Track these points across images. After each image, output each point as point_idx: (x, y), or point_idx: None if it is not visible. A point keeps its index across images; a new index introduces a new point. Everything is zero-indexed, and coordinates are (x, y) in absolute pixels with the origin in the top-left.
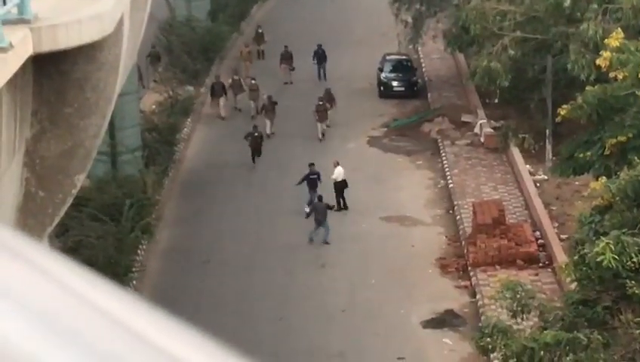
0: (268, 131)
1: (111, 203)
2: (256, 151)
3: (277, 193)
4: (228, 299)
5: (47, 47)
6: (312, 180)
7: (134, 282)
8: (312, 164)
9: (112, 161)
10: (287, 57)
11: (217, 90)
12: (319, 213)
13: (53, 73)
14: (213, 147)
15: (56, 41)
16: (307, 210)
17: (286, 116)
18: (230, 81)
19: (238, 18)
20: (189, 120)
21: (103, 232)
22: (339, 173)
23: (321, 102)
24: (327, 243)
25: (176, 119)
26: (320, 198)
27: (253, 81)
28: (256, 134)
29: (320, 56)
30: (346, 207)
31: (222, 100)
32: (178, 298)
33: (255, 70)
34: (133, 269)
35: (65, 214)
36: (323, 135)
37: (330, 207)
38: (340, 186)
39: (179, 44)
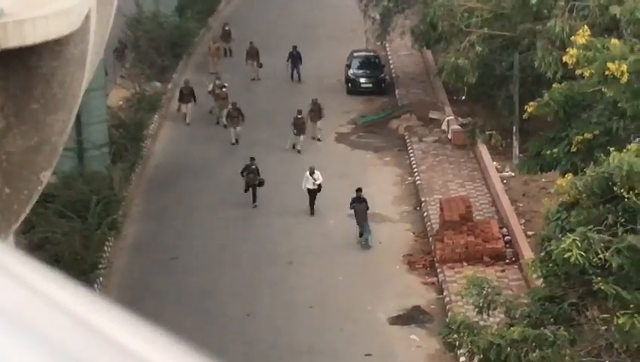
0: (232, 140)
1: (77, 199)
2: (254, 187)
3: (241, 187)
4: (195, 295)
5: (13, 42)
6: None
7: (101, 279)
8: (359, 190)
9: (78, 157)
10: (252, 53)
11: (185, 95)
12: (359, 214)
13: (19, 68)
14: (180, 144)
15: (22, 37)
16: (363, 241)
17: (255, 119)
18: (211, 86)
19: (205, 14)
20: (156, 116)
21: (70, 229)
22: (319, 177)
23: (299, 116)
24: (369, 246)
25: (143, 115)
26: (360, 199)
27: (224, 89)
28: (253, 167)
29: (295, 58)
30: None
31: (189, 106)
32: (145, 294)
33: (223, 68)
34: (100, 266)
35: (31, 210)
36: (298, 148)
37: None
38: (316, 191)
39: (146, 39)
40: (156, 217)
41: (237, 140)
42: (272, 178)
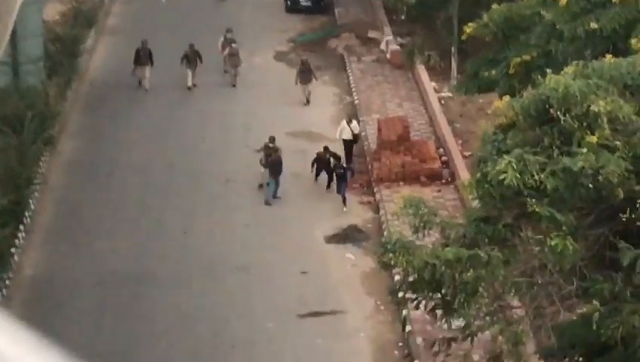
0: (189, 83)
1: (12, 114)
2: (330, 174)
3: (181, 106)
4: (131, 211)
5: None
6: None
7: (36, 194)
8: (325, 148)
9: (13, 72)
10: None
11: (143, 57)
12: (273, 167)
13: None
14: (117, 60)
15: None
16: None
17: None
18: (220, 42)
19: None
20: (92, 31)
21: (4, 144)
22: (356, 127)
23: (303, 63)
24: (268, 203)
25: (79, 30)
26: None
27: (234, 45)
28: (328, 156)
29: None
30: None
31: (147, 70)
32: (81, 210)
33: None
34: (35, 181)
35: None
36: (308, 100)
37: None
38: (352, 142)
39: None
40: (92, 133)
41: (194, 84)
42: (210, 106)
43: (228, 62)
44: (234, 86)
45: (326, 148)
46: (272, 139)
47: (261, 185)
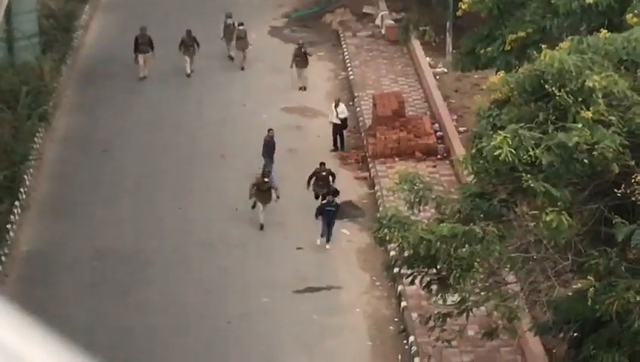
0: (188, 70)
1: (7, 90)
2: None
3: (176, 84)
4: (127, 187)
5: None
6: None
7: (31, 170)
8: (322, 163)
9: (8, 47)
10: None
11: (142, 45)
12: (267, 148)
13: None
14: (112, 35)
15: None
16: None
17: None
18: (222, 27)
19: None
20: (87, 6)
21: None
22: (343, 111)
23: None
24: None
25: (74, 5)
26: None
27: (241, 27)
28: (323, 173)
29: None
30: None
31: (141, 57)
32: (76, 186)
33: None
34: (30, 157)
35: None
36: (304, 87)
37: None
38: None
39: None
40: (87, 109)
41: (192, 71)
42: (212, 87)
43: (235, 46)
44: (242, 69)
45: (322, 165)
46: (267, 173)
47: (254, 206)
